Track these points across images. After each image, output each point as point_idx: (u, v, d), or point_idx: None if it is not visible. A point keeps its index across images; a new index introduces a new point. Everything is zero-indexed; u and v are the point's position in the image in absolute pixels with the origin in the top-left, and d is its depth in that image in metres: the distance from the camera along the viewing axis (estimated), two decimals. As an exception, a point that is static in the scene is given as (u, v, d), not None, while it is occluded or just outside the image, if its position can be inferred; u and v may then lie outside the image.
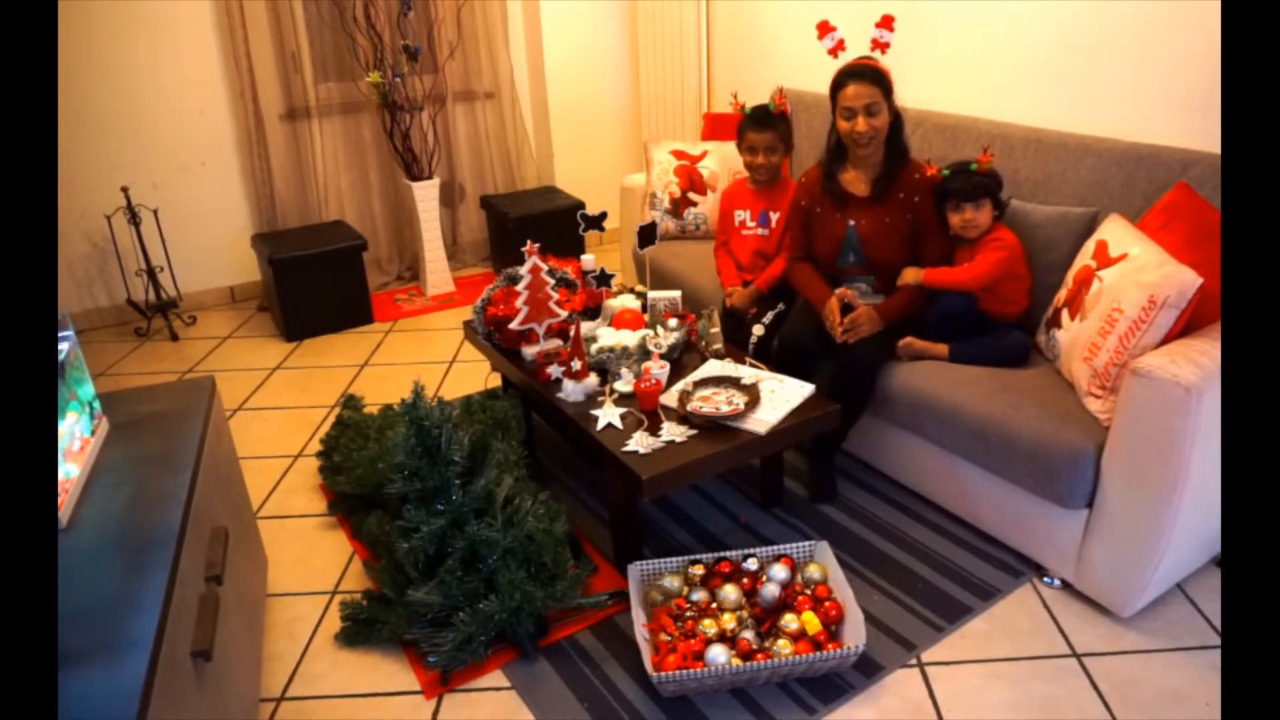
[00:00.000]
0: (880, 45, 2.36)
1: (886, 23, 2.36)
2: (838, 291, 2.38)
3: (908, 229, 2.38)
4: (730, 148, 3.07)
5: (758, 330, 2.55)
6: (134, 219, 3.51)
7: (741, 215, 2.80)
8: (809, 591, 1.95)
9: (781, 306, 2.63)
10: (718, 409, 2.09)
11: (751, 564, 2.02)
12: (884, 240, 2.39)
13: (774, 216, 2.75)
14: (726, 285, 2.75)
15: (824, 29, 2.40)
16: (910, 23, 2.50)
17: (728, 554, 2.07)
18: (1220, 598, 2.03)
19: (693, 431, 2.05)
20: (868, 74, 2.27)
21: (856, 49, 2.37)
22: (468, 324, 2.63)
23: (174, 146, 3.72)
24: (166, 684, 1.16)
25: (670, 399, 2.16)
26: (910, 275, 2.34)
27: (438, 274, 4.07)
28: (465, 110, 4.25)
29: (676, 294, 2.56)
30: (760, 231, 2.76)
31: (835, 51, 2.38)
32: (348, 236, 3.73)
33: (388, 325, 3.80)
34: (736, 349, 2.48)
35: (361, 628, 1.99)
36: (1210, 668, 1.84)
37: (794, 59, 3.72)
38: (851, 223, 2.42)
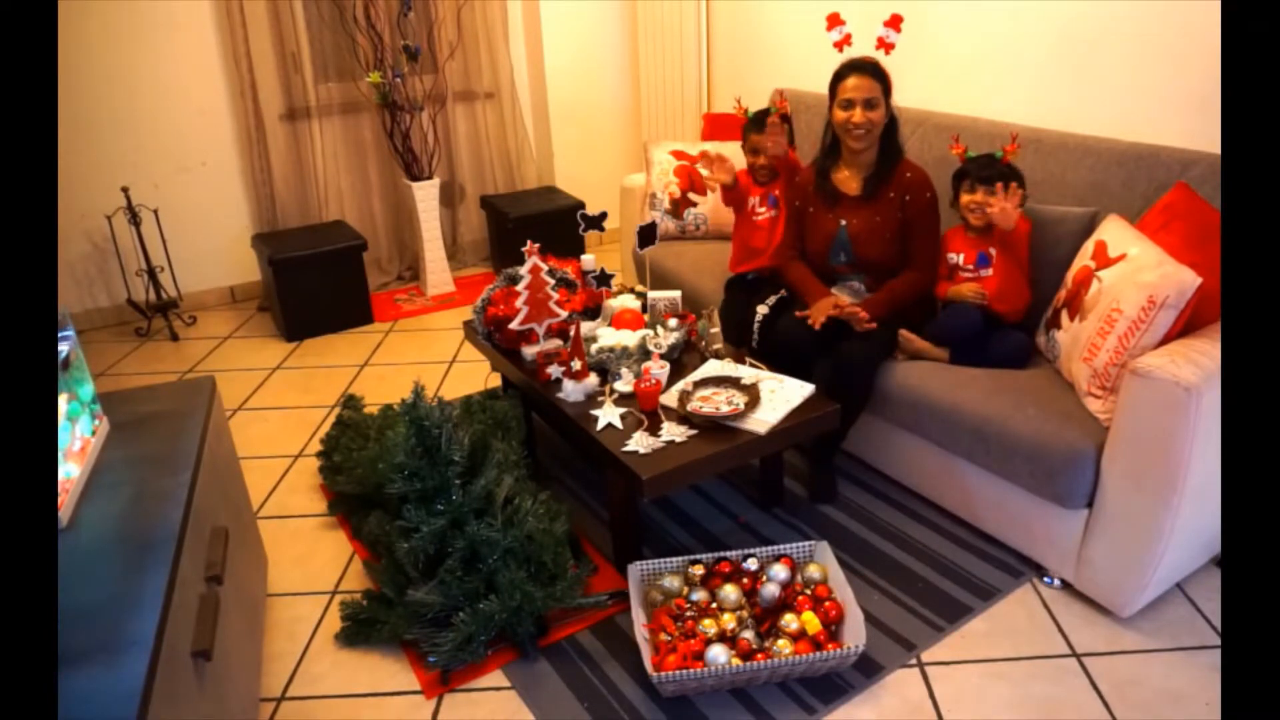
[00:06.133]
0: (886, 45, 2.36)
1: (895, 23, 2.36)
2: (833, 301, 2.36)
3: (899, 229, 2.38)
4: (730, 148, 3.07)
5: (762, 310, 2.54)
6: (134, 219, 3.51)
7: (752, 202, 2.81)
8: (809, 591, 1.95)
9: (784, 293, 2.62)
10: (718, 409, 2.09)
11: (751, 564, 2.02)
12: (874, 239, 2.39)
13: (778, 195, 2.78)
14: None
15: (834, 21, 2.40)
16: (911, 22, 2.50)
17: (728, 554, 2.07)
18: (1220, 598, 2.03)
19: (693, 431, 2.05)
20: (870, 69, 2.28)
21: (860, 47, 2.37)
22: (468, 324, 2.63)
23: (174, 146, 3.72)
24: (166, 684, 1.16)
25: (670, 399, 2.16)
26: (969, 290, 2.32)
27: (438, 274, 4.07)
28: (465, 110, 4.25)
29: (676, 294, 2.56)
30: (773, 214, 2.78)
31: (841, 45, 2.38)
32: (348, 236, 3.73)
33: (388, 325, 3.80)
34: (736, 348, 2.48)
35: (361, 628, 1.99)
36: (1210, 668, 1.84)
37: (794, 59, 3.72)
38: (843, 222, 2.42)
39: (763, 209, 2.79)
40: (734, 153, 3.04)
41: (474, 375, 3.26)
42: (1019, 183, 2.31)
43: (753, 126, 2.73)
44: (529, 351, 2.39)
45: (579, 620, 2.02)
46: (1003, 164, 2.31)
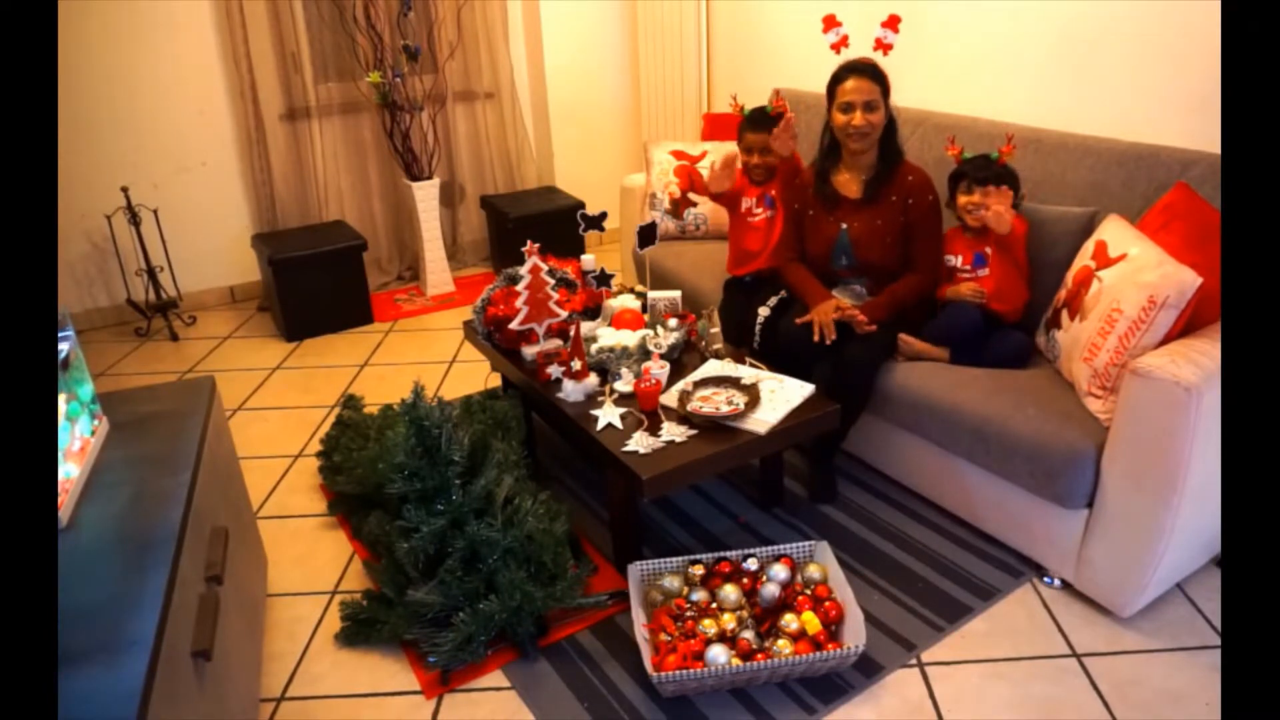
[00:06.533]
0: (884, 46, 2.36)
1: (892, 23, 2.35)
2: (835, 304, 2.36)
3: (900, 232, 2.37)
4: (730, 148, 3.08)
5: (763, 311, 2.54)
6: (134, 219, 3.51)
7: (748, 203, 2.80)
8: (809, 591, 1.95)
9: (784, 293, 2.62)
10: (718, 409, 2.09)
11: (751, 564, 2.02)
12: (876, 243, 2.38)
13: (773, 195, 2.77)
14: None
15: (829, 23, 2.39)
16: (911, 23, 2.50)
17: (728, 554, 2.06)
18: (1220, 598, 2.03)
19: (693, 431, 2.05)
20: (869, 70, 2.28)
21: (859, 48, 2.37)
22: (468, 324, 2.63)
23: (174, 146, 3.72)
24: (166, 684, 1.16)
25: (670, 399, 2.16)
26: (967, 290, 2.31)
27: (438, 274, 4.07)
28: (465, 110, 4.25)
29: (676, 294, 2.56)
30: (769, 214, 2.77)
31: (838, 47, 2.37)
32: (348, 236, 3.73)
33: (388, 325, 3.80)
34: (736, 349, 2.48)
35: (361, 628, 1.99)
36: (1210, 668, 1.84)
37: (794, 59, 3.72)
38: (844, 225, 2.42)
39: (759, 210, 2.79)
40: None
41: (474, 375, 3.26)
42: (1015, 183, 2.31)
43: (749, 125, 2.72)
44: (529, 351, 2.39)
45: (579, 620, 2.02)
46: (999, 165, 2.31)
